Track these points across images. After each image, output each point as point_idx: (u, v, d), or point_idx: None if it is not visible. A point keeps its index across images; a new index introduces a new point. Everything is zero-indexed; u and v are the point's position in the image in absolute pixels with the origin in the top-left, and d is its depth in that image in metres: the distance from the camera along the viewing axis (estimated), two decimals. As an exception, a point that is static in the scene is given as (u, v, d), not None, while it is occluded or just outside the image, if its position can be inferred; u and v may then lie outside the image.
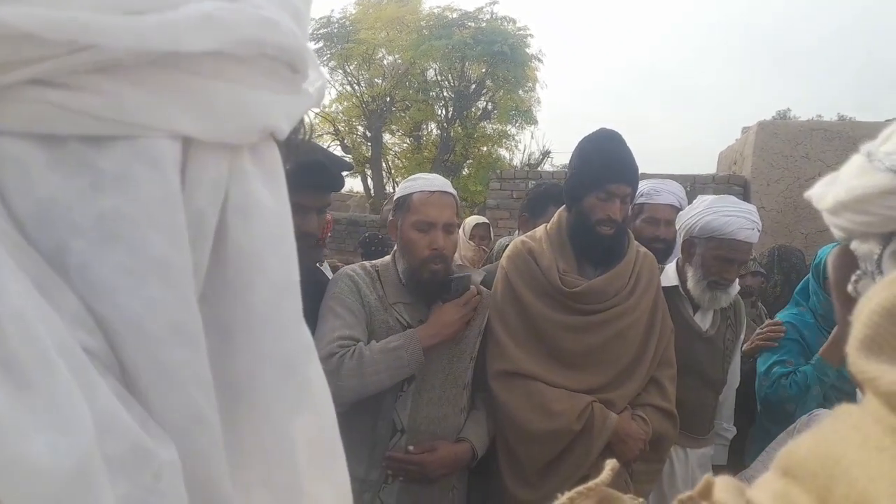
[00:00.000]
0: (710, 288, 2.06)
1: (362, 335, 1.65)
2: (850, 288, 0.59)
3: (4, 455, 0.23)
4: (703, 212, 2.06)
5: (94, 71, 0.27)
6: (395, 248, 1.80)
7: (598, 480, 0.36)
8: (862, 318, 0.36)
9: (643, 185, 2.33)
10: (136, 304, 0.28)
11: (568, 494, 0.35)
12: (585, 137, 1.88)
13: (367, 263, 1.83)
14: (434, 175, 1.85)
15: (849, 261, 0.60)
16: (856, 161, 0.57)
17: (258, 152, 0.33)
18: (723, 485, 0.34)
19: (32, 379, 0.24)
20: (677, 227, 2.23)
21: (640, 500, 0.38)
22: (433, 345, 1.65)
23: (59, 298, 0.27)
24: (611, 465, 0.37)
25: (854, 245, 0.59)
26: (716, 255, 2.03)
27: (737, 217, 2.01)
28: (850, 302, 0.58)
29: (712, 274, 2.04)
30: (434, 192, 1.71)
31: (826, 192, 0.60)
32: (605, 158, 1.80)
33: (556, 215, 1.94)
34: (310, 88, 0.35)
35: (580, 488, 0.35)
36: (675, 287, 2.13)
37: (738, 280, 2.13)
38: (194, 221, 0.30)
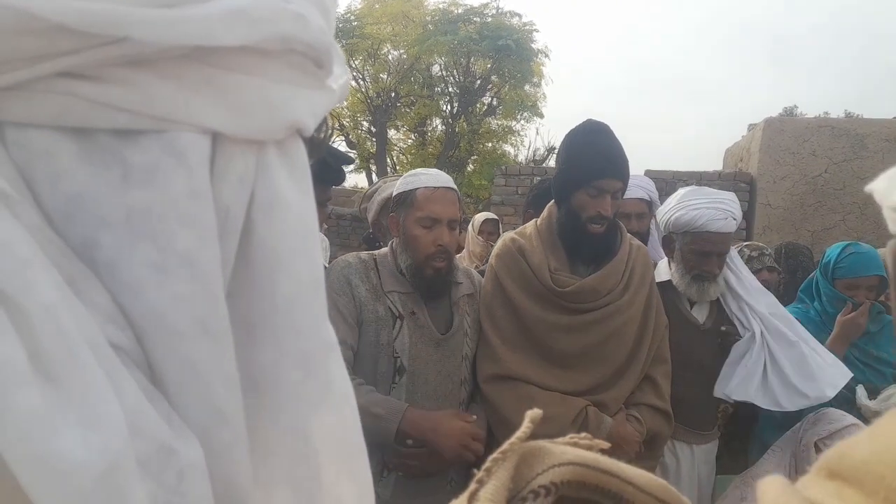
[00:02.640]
0: (696, 281, 2.03)
1: (351, 337, 1.63)
2: None
3: (33, 450, 0.23)
4: (675, 207, 2.04)
5: (125, 64, 0.27)
6: (393, 241, 1.77)
7: (514, 437, 0.31)
8: None
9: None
10: (163, 299, 0.28)
11: (486, 464, 0.30)
12: (572, 130, 1.79)
13: (363, 253, 1.80)
14: (436, 170, 1.81)
15: None
16: None
17: (284, 148, 0.33)
18: (772, 483, 0.31)
19: (62, 373, 0.24)
20: (658, 222, 2.21)
21: (583, 434, 0.33)
22: (411, 434, 1.56)
23: (90, 293, 0.27)
24: (531, 415, 0.32)
25: None
26: (692, 248, 2.01)
27: (707, 209, 1.98)
28: None
29: (693, 267, 2.02)
30: (438, 188, 1.68)
31: (891, 187, 0.59)
32: (592, 153, 1.70)
33: (546, 210, 1.86)
34: (334, 85, 0.35)
35: (496, 454, 0.30)
36: (670, 282, 2.10)
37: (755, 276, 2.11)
38: (221, 217, 0.30)
